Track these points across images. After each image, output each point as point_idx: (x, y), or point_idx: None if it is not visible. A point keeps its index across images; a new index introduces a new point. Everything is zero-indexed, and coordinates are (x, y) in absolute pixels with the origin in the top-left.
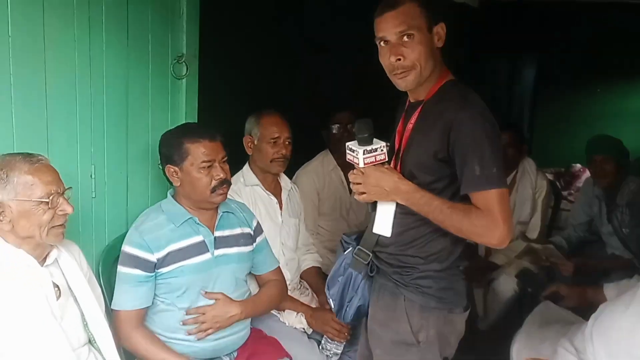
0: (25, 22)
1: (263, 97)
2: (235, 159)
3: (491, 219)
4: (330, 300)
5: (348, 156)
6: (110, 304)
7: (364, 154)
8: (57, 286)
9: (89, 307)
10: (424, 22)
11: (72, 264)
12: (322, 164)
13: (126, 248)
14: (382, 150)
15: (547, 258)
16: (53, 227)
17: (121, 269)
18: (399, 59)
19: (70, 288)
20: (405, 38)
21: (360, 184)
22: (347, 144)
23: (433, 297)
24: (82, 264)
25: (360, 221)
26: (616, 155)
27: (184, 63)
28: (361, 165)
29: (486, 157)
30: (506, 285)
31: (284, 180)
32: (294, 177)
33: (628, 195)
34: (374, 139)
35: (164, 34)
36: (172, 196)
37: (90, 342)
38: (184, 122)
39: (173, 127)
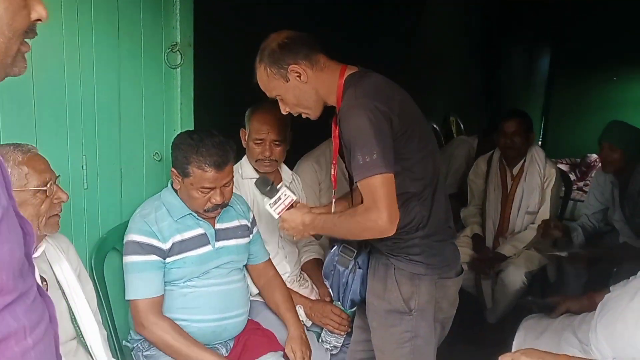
0: None
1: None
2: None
3: (373, 205)
4: (330, 290)
5: None
6: (125, 296)
7: (271, 207)
8: (44, 279)
9: (77, 302)
10: (277, 79)
11: (59, 257)
12: (324, 153)
13: (136, 237)
14: (285, 195)
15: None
16: (50, 216)
17: (134, 258)
18: (288, 111)
19: (57, 281)
20: (278, 98)
21: (285, 229)
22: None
23: (422, 264)
24: (71, 258)
25: None
26: (624, 142)
27: (178, 52)
28: (275, 217)
29: (365, 145)
30: (514, 276)
31: (285, 172)
32: (295, 166)
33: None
34: (277, 187)
35: (157, 22)
36: (173, 187)
37: (78, 336)
38: (179, 112)
39: (190, 132)
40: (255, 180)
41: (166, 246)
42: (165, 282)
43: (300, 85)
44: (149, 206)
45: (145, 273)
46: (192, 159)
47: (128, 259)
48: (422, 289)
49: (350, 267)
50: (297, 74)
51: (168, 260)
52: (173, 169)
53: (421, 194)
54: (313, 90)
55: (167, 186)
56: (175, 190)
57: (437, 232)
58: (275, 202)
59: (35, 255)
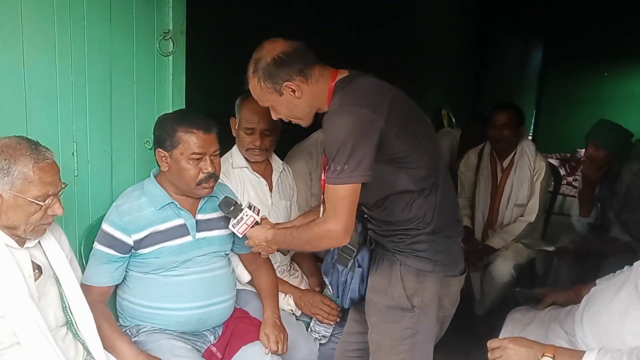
0: None
1: None
2: (224, 140)
3: (332, 215)
4: (330, 286)
5: None
6: None
7: (234, 227)
8: (39, 267)
9: (70, 289)
10: (270, 92)
11: (54, 245)
12: (315, 143)
13: (105, 226)
14: (247, 214)
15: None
16: (39, 225)
17: (96, 245)
18: (279, 117)
19: (52, 268)
20: (270, 107)
21: (251, 246)
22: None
23: (429, 260)
24: (63, 245)
25: None
26: (609, 142)
27: (170, 40)
28: (239, 236)
29: (338, 154)
30: (503, 269)
31: (276, 161)
32: (286, 156)
33: (627, 180)
34: (241, 207)
35: (149, 9)
36: (155, 177)
37: (68, 323)
38: (170, 100)
39: (171, 112)
40: (219, 203)
41: (134, 238)
42: (145, 272)
43: (294, 100)
44: (127, 195)
45: (98, 262)
46: (179, 127)
47: (94, 244)
48: (426, 286)
49: (349, 266)
50: (292, 90)
51: (142, 250)
52: (159, 150)
53: (423, 190)
54: (307, 103)
55: (150, 176)
56: (157, 180)
57: (444, 228)
58: (237, 222)
59: (28, 245)
